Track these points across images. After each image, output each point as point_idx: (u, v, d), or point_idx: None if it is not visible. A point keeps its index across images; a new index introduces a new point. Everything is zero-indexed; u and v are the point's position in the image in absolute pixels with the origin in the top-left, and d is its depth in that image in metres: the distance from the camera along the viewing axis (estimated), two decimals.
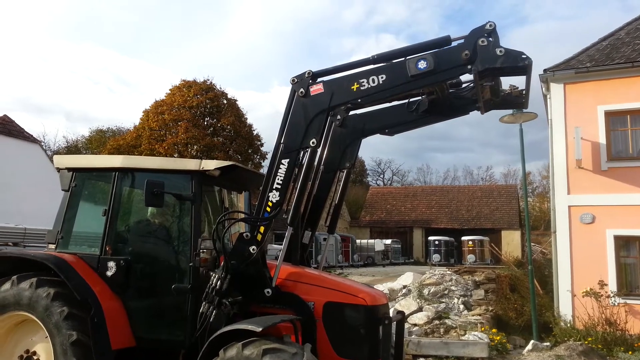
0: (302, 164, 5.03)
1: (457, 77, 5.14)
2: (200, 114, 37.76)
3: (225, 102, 38.43)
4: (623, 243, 12.88)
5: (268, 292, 4.88)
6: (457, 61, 4.69)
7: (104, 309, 4.99)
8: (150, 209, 5.58)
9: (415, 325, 11.88)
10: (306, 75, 5.04)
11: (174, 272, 5.36)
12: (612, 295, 12.03)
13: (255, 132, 39.32)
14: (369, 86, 4.87)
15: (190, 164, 5.45)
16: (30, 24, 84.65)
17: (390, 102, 5.63)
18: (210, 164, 5.36)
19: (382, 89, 4.87)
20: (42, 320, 4.98)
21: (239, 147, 37.58)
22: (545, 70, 13.59)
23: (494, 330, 11.44)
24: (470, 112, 5.60)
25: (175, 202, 5.45)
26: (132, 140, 36.36)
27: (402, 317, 5.80)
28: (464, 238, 35.92)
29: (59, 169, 5.96)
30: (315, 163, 5.49)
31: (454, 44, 4.78)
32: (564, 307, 12.89)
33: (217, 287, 4.85)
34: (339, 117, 5.35)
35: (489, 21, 4.67)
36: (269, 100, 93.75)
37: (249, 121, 39.44)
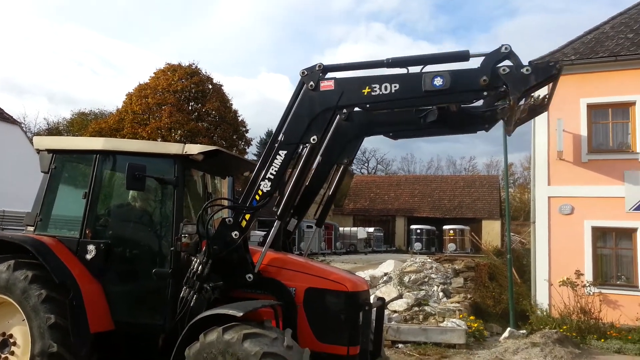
0: (301, 159, 4.97)
1: (470, 101, 4.95)
2: (184, 98, 37.31)
3: (210, 87, 38.01)
4: (600, 234, 13.16)
5: (250, 277, 4.88)
6: (474, 85, 4.60)
7: (82, 292, 4.95)
8: (131, 192, 5.53)
9: (395, 312, 12.03)
10: (317, 68, 4.95)
11: (155, 257, 5.33)
12: (587, 284, 12.32)
13: (240, 118, 39.08)
14: (380, 93, 4.77)
15: (173, 148, 5.40)
16: (13, 2, 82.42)
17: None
18: (193, 149, 5.32)
19: (393, 98, 4.79)
20: (20, 303, 4.93)
21: (224, 133, 37.27)
22: (530, 62, 13.67)
23: (471, 317, 11.64)
24: (477, 132, 5.48)
25: (157, 186, 5.40)
26: (114, 124, 35.84)
27: (382, 303, 5.86)
28: (445, 227, 36.29)
29: (38, 151, 5.86)
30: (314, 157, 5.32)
31: (472, 61, 4.67)
32: (541, 295, 13.16)
33: (198, 271, 4.84)
34: (345, 111, 5.15)
35: (503, 44, 4.61)
36: (256, 87, 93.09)
37: (234, 107, 39.15)
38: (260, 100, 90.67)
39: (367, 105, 4.92)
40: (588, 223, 13.03)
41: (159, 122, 35.37)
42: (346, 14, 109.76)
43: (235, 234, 4.87)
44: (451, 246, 33.52)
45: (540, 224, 13.56)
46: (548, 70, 4.55)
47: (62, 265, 5.03)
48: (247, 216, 4.95)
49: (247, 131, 39.60)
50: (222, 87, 38.84)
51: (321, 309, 4.85)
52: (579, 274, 12.42)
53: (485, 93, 4.62)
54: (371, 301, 5.37)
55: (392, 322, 11.14)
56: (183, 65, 37.67)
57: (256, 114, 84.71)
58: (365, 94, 4.81)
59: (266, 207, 5.00)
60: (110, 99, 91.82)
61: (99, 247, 5.24)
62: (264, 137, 54.12)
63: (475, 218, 40.31)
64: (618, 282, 12.90)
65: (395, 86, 4.75)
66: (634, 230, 12.69)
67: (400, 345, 10.24)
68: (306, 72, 4.97)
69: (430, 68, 4.85)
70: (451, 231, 35.33)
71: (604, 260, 13.18)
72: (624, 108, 13.37)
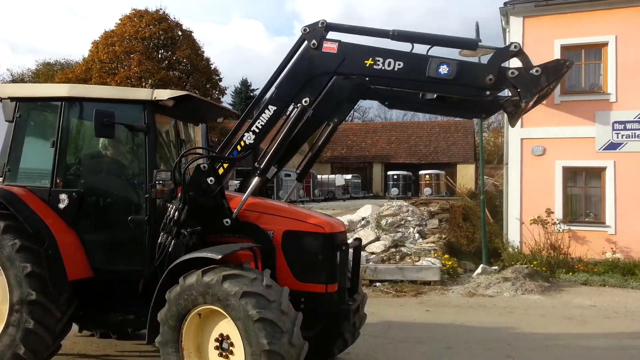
0: (289, 119, 4.84)
1: (471, 97, 4.73)
2: (153, 46, 35.96)
3: (180, 33, 36.62)
4: (570, 174, 13.55)
5: (227, 222, 4.88)
6: (479, 83, 4.46)
7: (58, 241, 4.90)
8: (102, 140, 5.41)
9: (372, 253, 12.34)
10: (319, 26, 4.73)
11: (130, 204, 5.28)
12: (557, 222, 12.77)
13: (213, 67, 38.00)
14: (382, 68, 4.59)
15: (142, 94, 5.23)
16: None
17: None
18: (163, 94, 5.16)
19: (394, 76, 4.62)
20: None
21: (197, 82, 36.30)
22: (505, 4, 13.52)
23: (446, 256, 12.03)
24: (473, 119, 5.39)
25: (128, 133, 5.27)
26: (81, 74, 34.51)
27: (359, 243, 5.95)
28: (421, 172, 36.77)
29: (1, 99, 5.63)
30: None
31: (480, 54, 4.53)
32: (513, 234, 13.64)
33: (175, 217, 4.82)
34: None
35: (512, 43, 4.48)
36: (229, 34, 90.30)
37: (206, 54, 37.99)
38: (234, 48, 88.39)
39: (367, 79, 4.73)
40: (559, 163, 13.37)
41: (128, 71, 34.21)
42: None
43: (211, 180, 4.84)
44: (427, 190, 34.06)
45: (513, 165, 13.85)
46: (559, 69, 4.45)
47: (34, 214, 4.95)
48: (225, 165, 4.90)
49: (220, 80, 38.67)
50: (193, 34, 37.54)
51: (299, 251, 4.91)
52: (549, 212, 12.84)
53: (488, 92, 4.50)
54: (348, 242, 5.47)
55: (370, 263, 11.45)
56: (150, 10, 36.10)
57: (229, 61, 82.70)
58: (367, 65, 4.64)
59: (246, 159, 4.95)
60: (76, 48, 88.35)
61: (71, 196, 5.16)
62: (239, 86, 53.07)
63: (450, 163, 40.94)
64: (586, 219, 13.42)
65: (399, 64, 4.58)
66: (603, 169, 13.08)
67: (378, 284, 10.58)
68: (308, 30, 4.76)
69: (434, 50, 4.68)
70: (427, 176, 35.81)
71: (573, 199, 13.64)
72: (596, 49, 13.44)
